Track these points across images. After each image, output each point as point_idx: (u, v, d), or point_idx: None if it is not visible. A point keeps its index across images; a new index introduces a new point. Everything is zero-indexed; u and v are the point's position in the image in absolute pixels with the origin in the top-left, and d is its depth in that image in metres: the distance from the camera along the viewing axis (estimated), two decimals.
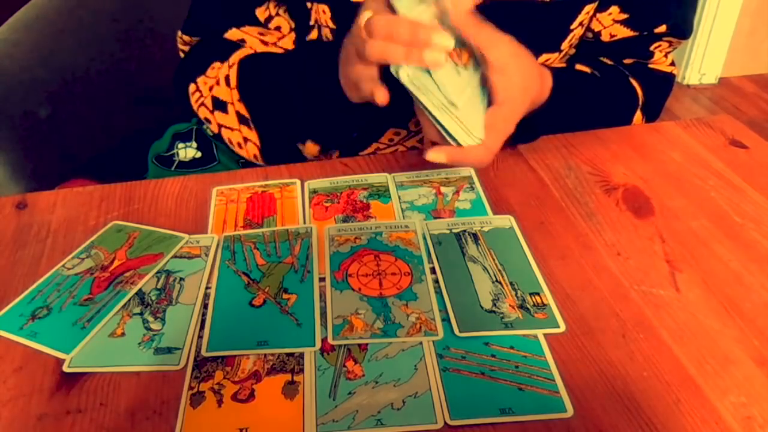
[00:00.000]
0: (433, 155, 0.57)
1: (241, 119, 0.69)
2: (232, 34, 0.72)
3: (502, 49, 0.56)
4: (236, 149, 0.72)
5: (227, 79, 0.69)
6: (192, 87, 0.72)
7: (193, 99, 0.72)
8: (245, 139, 0.70)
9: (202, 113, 0.71)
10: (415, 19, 0.53)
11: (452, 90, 0.54)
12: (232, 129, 0.70)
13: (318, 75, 0.65)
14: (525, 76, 0.58)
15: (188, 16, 0.75)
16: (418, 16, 0.53)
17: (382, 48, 0.53)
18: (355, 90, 0.61)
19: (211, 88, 0.70)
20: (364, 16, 0.54)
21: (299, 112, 0.68)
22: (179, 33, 0.76)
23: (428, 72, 0.53)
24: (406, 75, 0.53)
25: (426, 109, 0.55)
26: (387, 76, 0.56)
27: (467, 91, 0.56)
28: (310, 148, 0.69)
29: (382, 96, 0.56)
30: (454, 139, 0.56)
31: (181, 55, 0.78)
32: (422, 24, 0.52)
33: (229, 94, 0.68)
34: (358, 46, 0.55)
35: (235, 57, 0.70)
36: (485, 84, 0.58)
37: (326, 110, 0.66)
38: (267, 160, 0.72)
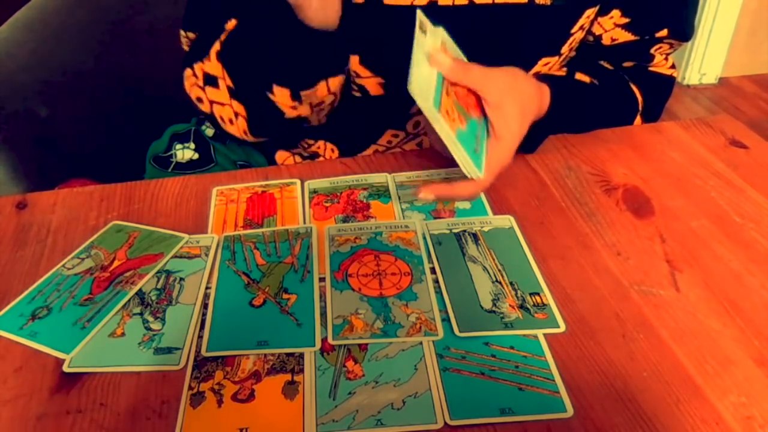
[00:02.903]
0: (423, 195, 0.59)
1: (232, 93, 0.69)
2: (232, 24, 0.71)
3: (496, 85, 0.57)
4: (227, 126, 0.71)
5: (216, 53, 0.69)
6: (188, 71, 0.72)
7: (188, 83, 0.72)
8: (236, 114, 0.70)
9: (195, 93, 0.71)
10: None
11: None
12: (223, 104, 0.69)
13: (280, 13, 0.64)
14: (523, 103, 0.59)
15: (186, 11, 0.74)
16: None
17: None
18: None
19: (202, 67, 0.70)
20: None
21: (267, 54, 0.66)
22: (181, 31, 0.76)
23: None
24: (424, 103, 0.52)
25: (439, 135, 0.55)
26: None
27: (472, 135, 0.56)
28: (280, 95, 0.67)
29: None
30: (465, 168, 0.57)
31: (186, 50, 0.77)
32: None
33: (219, 69, 0.68)
34: None
35: (225, 34, 0.69)
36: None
37: (290, 44, 0.65)
38: (254, 133, 0.71)
